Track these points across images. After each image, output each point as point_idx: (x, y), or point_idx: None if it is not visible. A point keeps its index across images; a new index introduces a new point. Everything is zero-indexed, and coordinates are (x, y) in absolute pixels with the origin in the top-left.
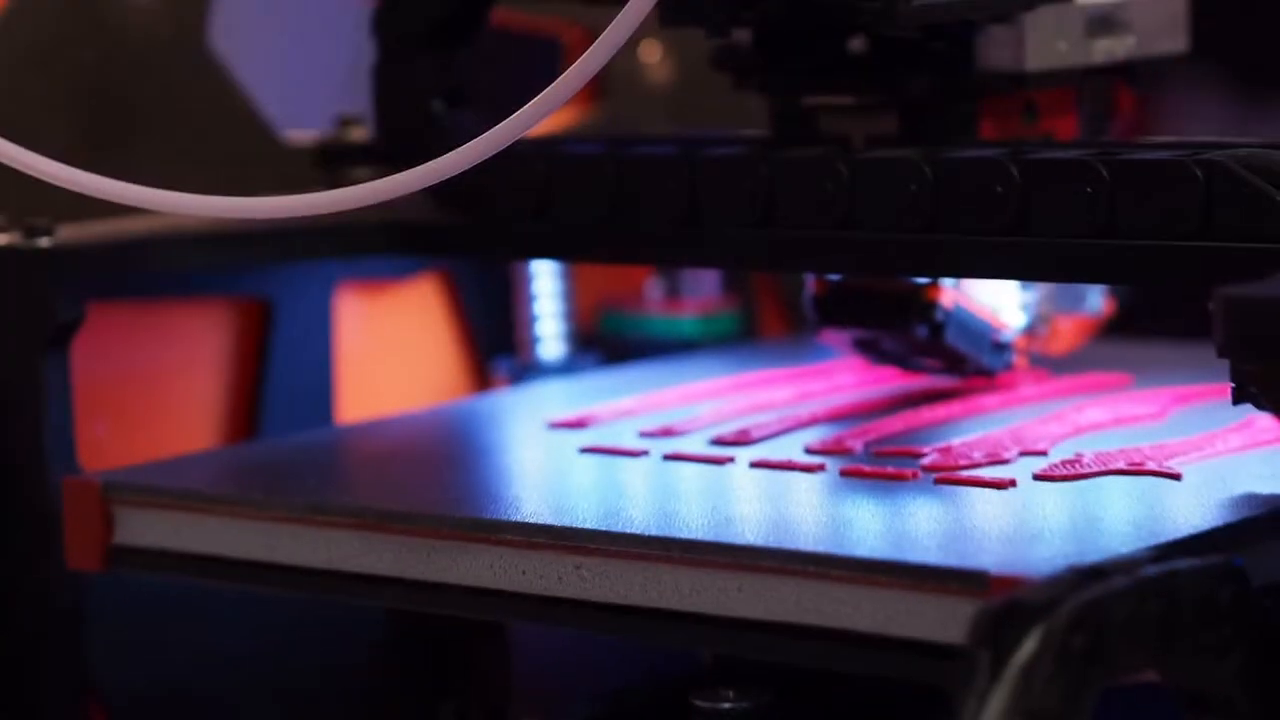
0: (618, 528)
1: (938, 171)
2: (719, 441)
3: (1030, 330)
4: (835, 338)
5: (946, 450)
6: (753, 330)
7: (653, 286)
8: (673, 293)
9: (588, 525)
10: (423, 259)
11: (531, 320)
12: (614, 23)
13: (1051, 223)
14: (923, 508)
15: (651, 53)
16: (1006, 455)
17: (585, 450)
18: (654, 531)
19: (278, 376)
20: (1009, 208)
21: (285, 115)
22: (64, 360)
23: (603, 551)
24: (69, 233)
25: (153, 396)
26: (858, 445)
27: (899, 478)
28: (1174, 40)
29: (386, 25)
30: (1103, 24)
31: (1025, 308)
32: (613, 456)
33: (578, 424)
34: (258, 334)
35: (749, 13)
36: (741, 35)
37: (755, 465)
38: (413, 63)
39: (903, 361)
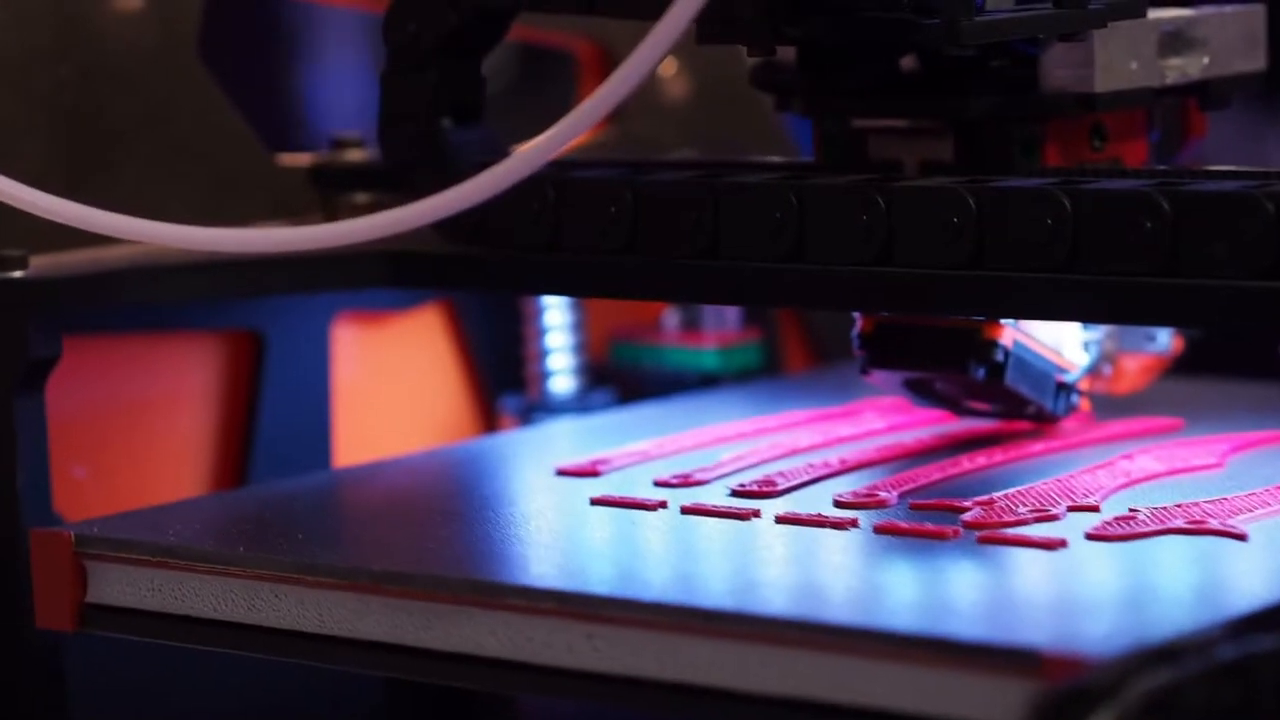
0: (632, 593)
1: (982, 202)
2: (741, 493)
3: (1094, 370)
4: (883, 378)
5: (989, 504)
6: (776, 363)
7: (669, 316)
8: (691, 324)
9: (600, 590)
10: (424, 291)
11: (541, 354)
12: (647, 39)
13: (1107, 259)
14: (965, 572)
15: (667, 67)
16: (1055, 510)
17: (596, 501)
18: (671, 598)
19: (270, 415)
20: (1060, 243)
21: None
22: (39, 400)
23: (616, 619)
24: (44, 263)
25: (135, 437)
26: (892, 497)
27: (938, 536)
28: (1252, 58)
29: (394, 35)
30: (1176, 41)
31: (1089, 346)
32: (626, 510)
33: (589, 471)
34: (249, 369)
35: (795, 29)
36: (784, 53)
37: (781, 520)
38: (421, 76)
39: (957, 405)
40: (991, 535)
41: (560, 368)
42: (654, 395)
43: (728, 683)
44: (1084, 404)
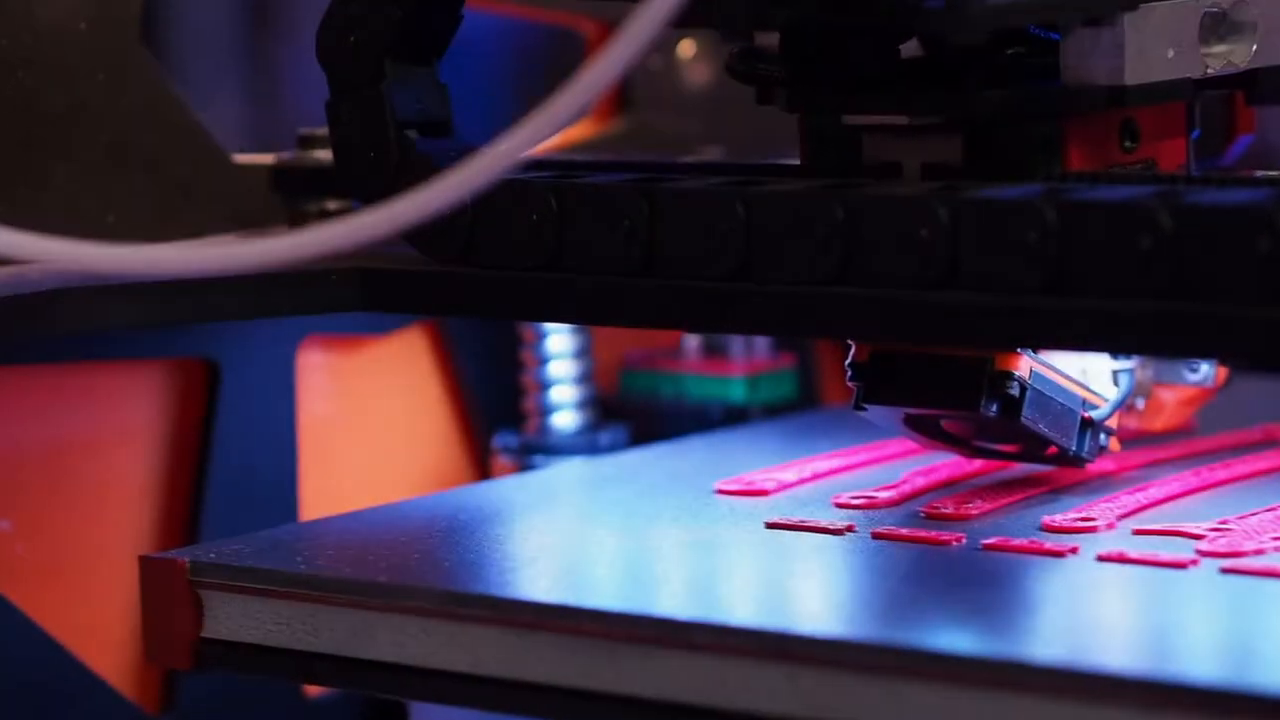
0: (836, 631)
1: (1065, 217)
2: (934, 515)
3: (1125, 405)
4: (881, 414)
5: (1220, 533)
6: (812, 394)
7: (690, 341)
8: (714, 349)
9: (800, 628)
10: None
11: (541, 385)
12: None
13: (1214, 285)
14: (1213, 607)
15: (686, 49)
16: None
17: (773, 525)
18: (877, 635)
19: (225, 456)
20: (1158, 265)
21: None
22: None
23: (822, 660)
24: None
25: (67, 483)
26: (1107, 522)
27: (1176, 566)
28: None
29: (333, 52)
30: (1220, 26)
31: (1120, 377)
32: (810, 534)
33: (753, 491)
34: (200, 402)
35: (780, 11)
36: (767, 38)
37: (991, 548)
38: (372, 93)
39: (966, 445)
40: (1236, 566)
41: (563, 401)
42: (671, 432)
43: None
44: (1113, 443)
